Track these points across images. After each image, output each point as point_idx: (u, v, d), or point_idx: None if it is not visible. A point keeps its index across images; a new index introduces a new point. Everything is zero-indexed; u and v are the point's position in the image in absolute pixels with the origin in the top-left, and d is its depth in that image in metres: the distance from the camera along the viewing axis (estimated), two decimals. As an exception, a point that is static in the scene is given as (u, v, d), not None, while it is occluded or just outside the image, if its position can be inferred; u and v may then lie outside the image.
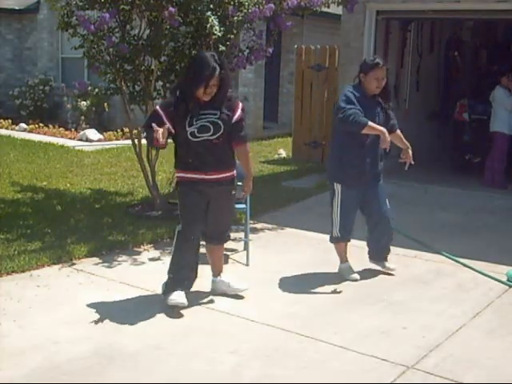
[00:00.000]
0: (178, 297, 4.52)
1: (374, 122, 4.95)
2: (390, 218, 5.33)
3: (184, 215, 4.58)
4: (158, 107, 4.59)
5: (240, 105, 4.58)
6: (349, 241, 5.37)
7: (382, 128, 4.90)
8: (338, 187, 5.18)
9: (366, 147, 5.07)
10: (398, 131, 5.31)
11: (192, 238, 4.58)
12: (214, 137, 4.44)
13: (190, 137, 4.42)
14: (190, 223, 4.57)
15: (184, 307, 4.50)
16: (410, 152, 5.20)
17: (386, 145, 4.91)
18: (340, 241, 5.34)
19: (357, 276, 5.29)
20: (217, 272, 4.90)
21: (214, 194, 4.57)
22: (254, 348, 4.00)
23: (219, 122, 4.44)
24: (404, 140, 5.30)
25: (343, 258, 5.38)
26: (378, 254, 5.49)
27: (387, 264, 5.47)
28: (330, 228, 5.27)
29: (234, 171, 4.65)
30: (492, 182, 9.11)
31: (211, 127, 4.42)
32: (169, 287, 4.60)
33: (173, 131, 4.45)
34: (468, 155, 10.18)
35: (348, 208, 5.20)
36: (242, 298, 4.82)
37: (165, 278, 4.64)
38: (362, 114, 4.87)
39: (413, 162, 5.21)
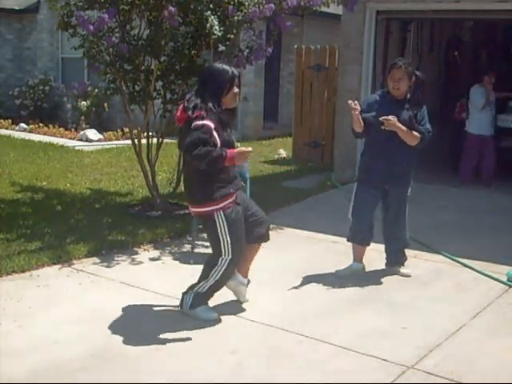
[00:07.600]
0: (213, 311, 4.43)
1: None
2: (400, 227, 5.33)
3: (238, 242, 4.27)
4: (207, 122, 4.04)
5: None
6: (361, 244, 5.33)
7: None
8: (355, 185, 5.30)
9: (379, 146, 5.07)
10: (416, 134, 5.01)
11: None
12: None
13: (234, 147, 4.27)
14: (242, 249, 4.35)
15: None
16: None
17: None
18: (350, 240, 5.36)
19: (346, 274, 5.29)
20: (246, 273, 4.67)
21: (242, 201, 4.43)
22: (254, 348, 4.00)
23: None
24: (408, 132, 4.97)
25: (355, 258, 5.38)
26: (388, 258, 5.49)
27: (401, 269, 5.44)
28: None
29: None
30: (467, 178, 9.09)
31: (233, 138, 4.36)
32: (198, 302, 4.38)
33: (218, 143, 4.09)
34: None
35: (360, 208, 5.21)
36: (241, 297, 4.81)
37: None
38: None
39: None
